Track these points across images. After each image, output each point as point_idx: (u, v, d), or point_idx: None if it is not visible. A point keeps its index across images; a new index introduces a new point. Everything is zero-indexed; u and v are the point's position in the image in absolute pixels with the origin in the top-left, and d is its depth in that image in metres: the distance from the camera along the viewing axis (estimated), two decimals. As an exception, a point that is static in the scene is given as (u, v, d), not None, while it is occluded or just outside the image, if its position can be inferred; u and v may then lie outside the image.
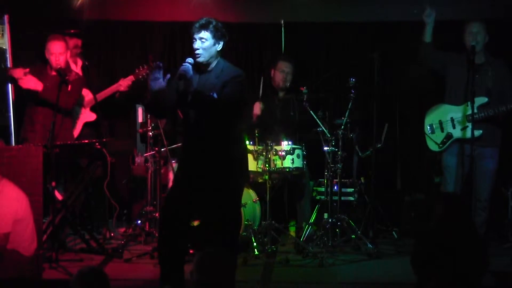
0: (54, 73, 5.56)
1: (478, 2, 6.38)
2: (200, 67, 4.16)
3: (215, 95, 4.03)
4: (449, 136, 5.37)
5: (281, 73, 6.13)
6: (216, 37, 4.11)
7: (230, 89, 4.07)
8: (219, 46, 4.14)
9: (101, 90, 6.24)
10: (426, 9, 5.37)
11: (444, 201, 3.63)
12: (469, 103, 5.15)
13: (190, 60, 4.11)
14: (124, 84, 6.25)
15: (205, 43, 4.08)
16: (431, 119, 5.49)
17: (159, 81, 4.05)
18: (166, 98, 4.14)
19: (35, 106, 5.60)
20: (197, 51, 4.09)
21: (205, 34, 4.08)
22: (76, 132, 6.09)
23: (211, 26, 4.09)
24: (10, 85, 5.99)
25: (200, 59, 4.10)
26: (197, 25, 4.11)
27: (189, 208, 4.22)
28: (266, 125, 5.95)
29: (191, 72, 4.08)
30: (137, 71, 6.22)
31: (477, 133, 5.13)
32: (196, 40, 4.10)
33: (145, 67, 6.16)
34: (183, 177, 4.24)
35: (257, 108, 5.94)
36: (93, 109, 6.21)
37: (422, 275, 3.48)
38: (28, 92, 5.56)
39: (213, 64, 4.17)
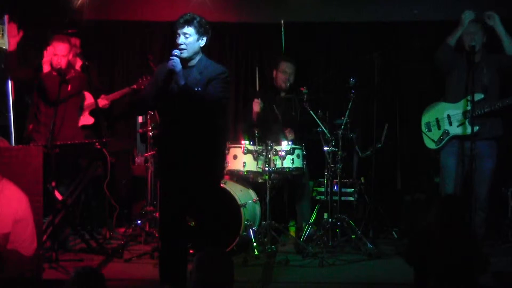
0: (54, 72, 5.55)
1: (478, 2, 6.37)
2: (182, 63, 4.13)
3: (199, 89, 4.05)
4: (446, 133, 5.38)
5: (284, 74, 6.14)
6: (200, 33, 4.11)
7: (216, 85, 4.09)
8: (202, 42, 4.15)
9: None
10: (468, 15, 5.34)
11: (442, 203, 3.64)
12: (467, 101, 5.17)
13: (176, 52, 4.08)
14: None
15: (188, 38, 4.08)
16: (428, 117, 5.51)
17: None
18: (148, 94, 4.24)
19: (38, 106, 5.59)
20: (180, 46, 4.09)
21: (188, 29, 4.08)
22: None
23: (195, 21, 4.10)
24: (10, 84, 5.99)
25: (183, 55, 4.09)
26: (181, 20, 4.11)
27: (185, 206, 4.23)
28: (267, 124, 5.95)
29: (180, 66, 4.06)
30: (140, 81, 6.21)
31: (474, 129, 5.14)
32: (179, 35, 4.10)
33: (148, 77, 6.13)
34: (167, 172, 4.23)
35: (256, 105, 5.92)
36: (91, 113, 6.20)
37: (419, 272, 3.50)
38: None
39: (195, 60, 4.17)
